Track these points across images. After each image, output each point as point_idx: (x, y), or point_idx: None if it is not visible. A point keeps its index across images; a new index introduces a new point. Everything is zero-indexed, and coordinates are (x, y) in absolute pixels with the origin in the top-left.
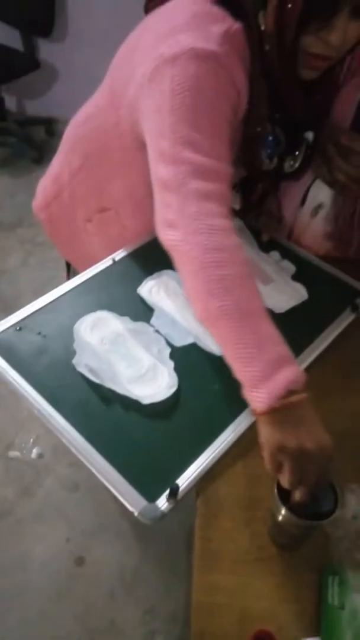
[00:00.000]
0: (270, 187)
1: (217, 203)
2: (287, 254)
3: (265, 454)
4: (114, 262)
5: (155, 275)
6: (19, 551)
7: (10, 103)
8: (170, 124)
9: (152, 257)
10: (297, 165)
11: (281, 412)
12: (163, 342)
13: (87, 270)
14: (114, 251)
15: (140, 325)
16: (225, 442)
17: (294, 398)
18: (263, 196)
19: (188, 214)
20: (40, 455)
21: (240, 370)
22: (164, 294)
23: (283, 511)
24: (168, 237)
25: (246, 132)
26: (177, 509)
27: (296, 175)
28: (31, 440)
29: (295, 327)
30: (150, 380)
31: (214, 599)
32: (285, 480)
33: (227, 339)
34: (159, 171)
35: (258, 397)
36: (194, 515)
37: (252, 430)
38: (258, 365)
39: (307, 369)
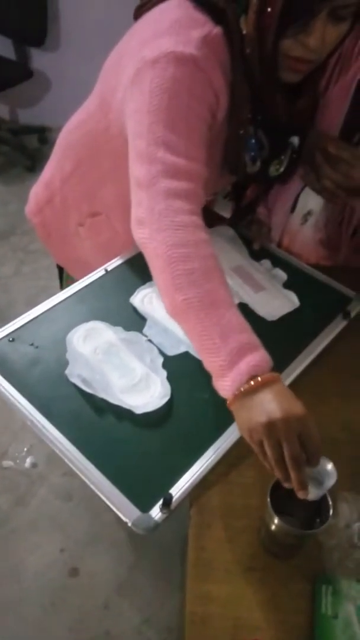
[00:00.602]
0: (259, 192)
1: (186, 201)
2: (278, 262)
3: (248, 441)
4: (107, 272)
5: (147, 284)
6: (12, 561)
7: (3, 112)
8: (147, 124)
9: (144, 267)
10: (282, 169)
11: (247, 396)
12: (156, 351)
13: (80, 281)
14: (106, 255)
15: (133, 334)
16: (218, 451)
17: (259, 381)
18: (252, 202)
19: (156, 211)
20: (34, 465)
21: (207, 361)
22: (156, 303)
23: (276, 520)
24: (138, 235)
25: (229, 135)
26: (171, 519)
27: (282, 179)
28: (25, 449)
29: (287, 334)
30: (143, 390)
31: (207, 609)
32: (271, 462)
33: (193, 332)
34: (135, 170)
35: (224, 385)
36: (188, 524)
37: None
38: (222, 355)
39: (300, 376)
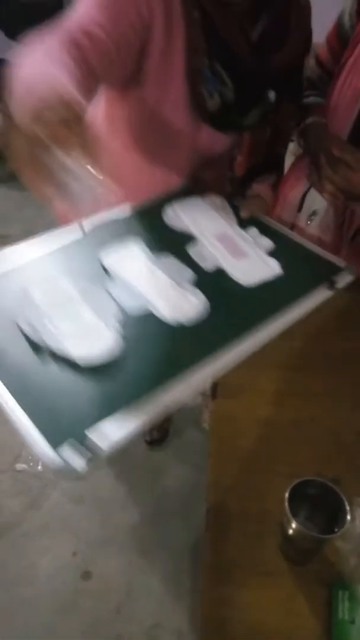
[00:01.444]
0: (254, 162)
1: (61, 41)
2: (266, 230)
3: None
4: (83, 232)
5: (120, 244)
6: (25, 564)
7: None
8: (75, 14)
9: (123, 230)
10: (250, 120)
11: None
12: (115, 307)
13: (52, 237)
14: None
15: (94, 287)
16: (156, 407)
17: None
18: (249, 174)
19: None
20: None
21: None
22: (126, 262)
23: (294, 525)
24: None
25: (186, 67)
26: (181, 524)
27: (257, 130)
28: None
29: (262, 299)
30: (91, 340)
31: (224, 613)
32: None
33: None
34: None
35: None
36: (199, 529)
37: (260, 444)
38: None
39: (314, 380)
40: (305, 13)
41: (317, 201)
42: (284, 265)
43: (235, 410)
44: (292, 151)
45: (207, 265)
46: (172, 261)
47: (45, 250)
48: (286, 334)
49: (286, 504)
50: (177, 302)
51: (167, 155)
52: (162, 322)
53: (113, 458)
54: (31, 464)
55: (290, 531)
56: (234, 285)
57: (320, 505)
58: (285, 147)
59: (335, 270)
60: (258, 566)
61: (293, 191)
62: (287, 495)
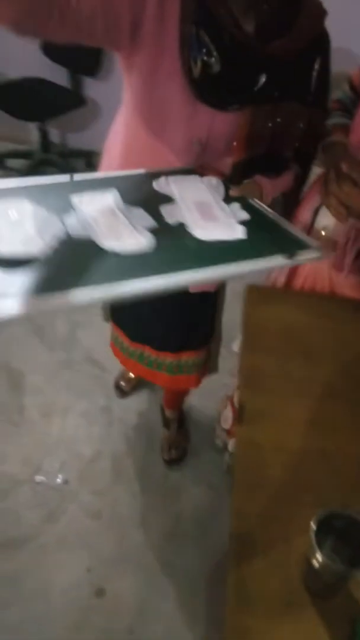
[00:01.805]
0: (254, 154)
1: None
2: (249, 207)
3: None
4: (71, 179)
5: (97, 191)
6: (41, 577)
7: (54, 136)
8: None
9: (107, 185)
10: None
11: None
12: (61, 230)
13: (41, 179)
14: None
15: (51, 215)
16: (47, 305)
17: None
18: (248, 165)
19: None
20: (65, 481)
21: None
22: (92, 202)
23: (319, 557)
24: None
25: (179, 33)
26: (199, 548)
27: (256, 120)
28: (57, 465)
29: (213, 250)
30: (16, 241)
31: None
32: None
33: None
34: None
35: None
36: (215, 552)
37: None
38: None
39: (343, 406)
40: (316, 15)
41: (327, 217)
42: (250, 233)
43: (260, 437)
44: (314, 172)
45: (172, 220)
46: (138, 212)
47: (26, 184)
48: (314, 363)
49: (312, 535)
50: (121, 235)
51: (168, 135)
52: (96, 246)
53: (132, 475)
54: (50, 476)
55: (315, 563)
56: (188, 237)
57: (346, 537)
58: (292, 150)
59: (303, 246)
60: (281, 597)
61: (308, 205)
62: (313, 526)
